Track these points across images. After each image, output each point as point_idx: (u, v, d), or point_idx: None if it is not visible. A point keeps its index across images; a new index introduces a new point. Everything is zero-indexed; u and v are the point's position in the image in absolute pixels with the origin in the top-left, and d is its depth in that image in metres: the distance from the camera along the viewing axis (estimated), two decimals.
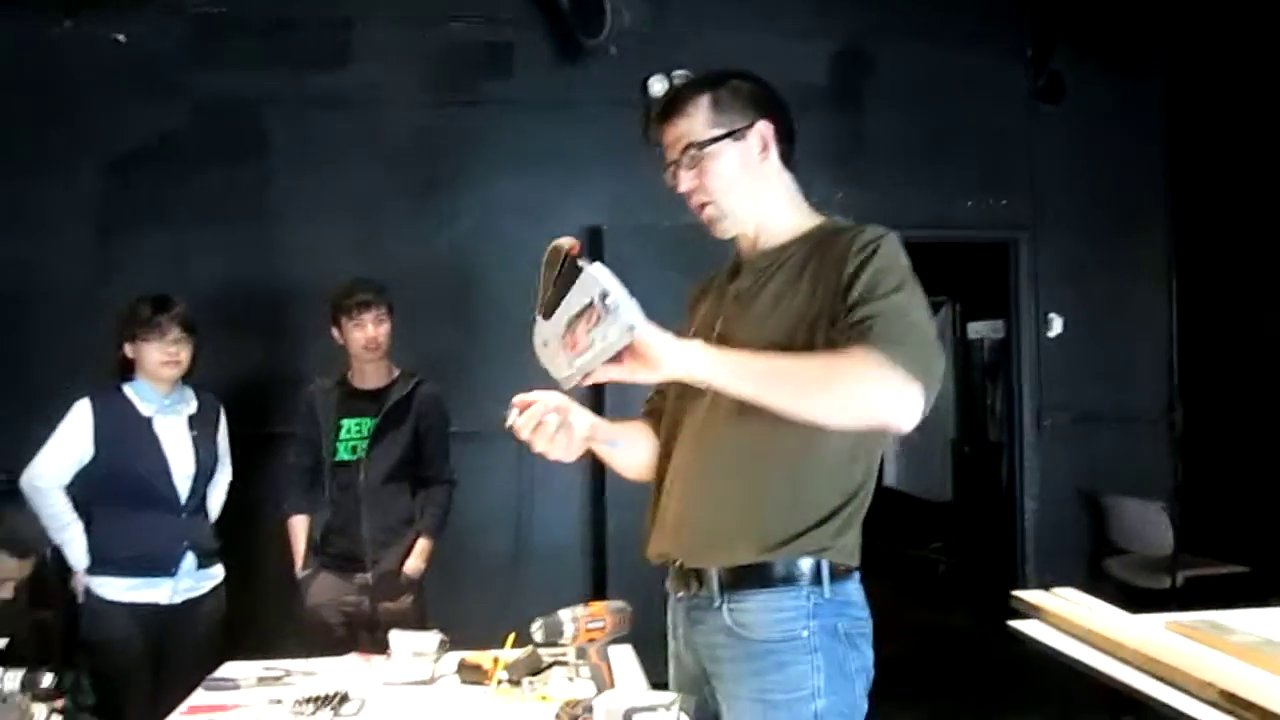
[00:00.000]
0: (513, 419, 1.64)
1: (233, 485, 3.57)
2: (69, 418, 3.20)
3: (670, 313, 2.06)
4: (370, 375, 3.58)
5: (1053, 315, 5.62)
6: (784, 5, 5.32)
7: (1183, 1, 5.46)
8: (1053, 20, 5.45)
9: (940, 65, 5.48)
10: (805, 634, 1.69)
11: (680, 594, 1.82)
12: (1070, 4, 5.40)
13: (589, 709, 2.01)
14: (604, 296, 1.46)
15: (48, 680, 2.54)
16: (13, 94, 4.72)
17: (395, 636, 2.67)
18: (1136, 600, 4.32)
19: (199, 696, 2.51)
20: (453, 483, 3.67)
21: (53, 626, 3.99)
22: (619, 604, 2.06)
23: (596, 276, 1.47)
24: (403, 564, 3.50)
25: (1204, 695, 2.07)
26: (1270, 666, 2.16)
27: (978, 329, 6.66)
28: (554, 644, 2.02)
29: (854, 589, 1.76)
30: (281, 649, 3.06)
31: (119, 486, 3.20)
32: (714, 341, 1.76)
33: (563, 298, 1.52)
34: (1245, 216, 5.30)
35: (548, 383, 1.64)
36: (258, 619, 3.92)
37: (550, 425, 1.68)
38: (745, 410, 1.66)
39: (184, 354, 3.25)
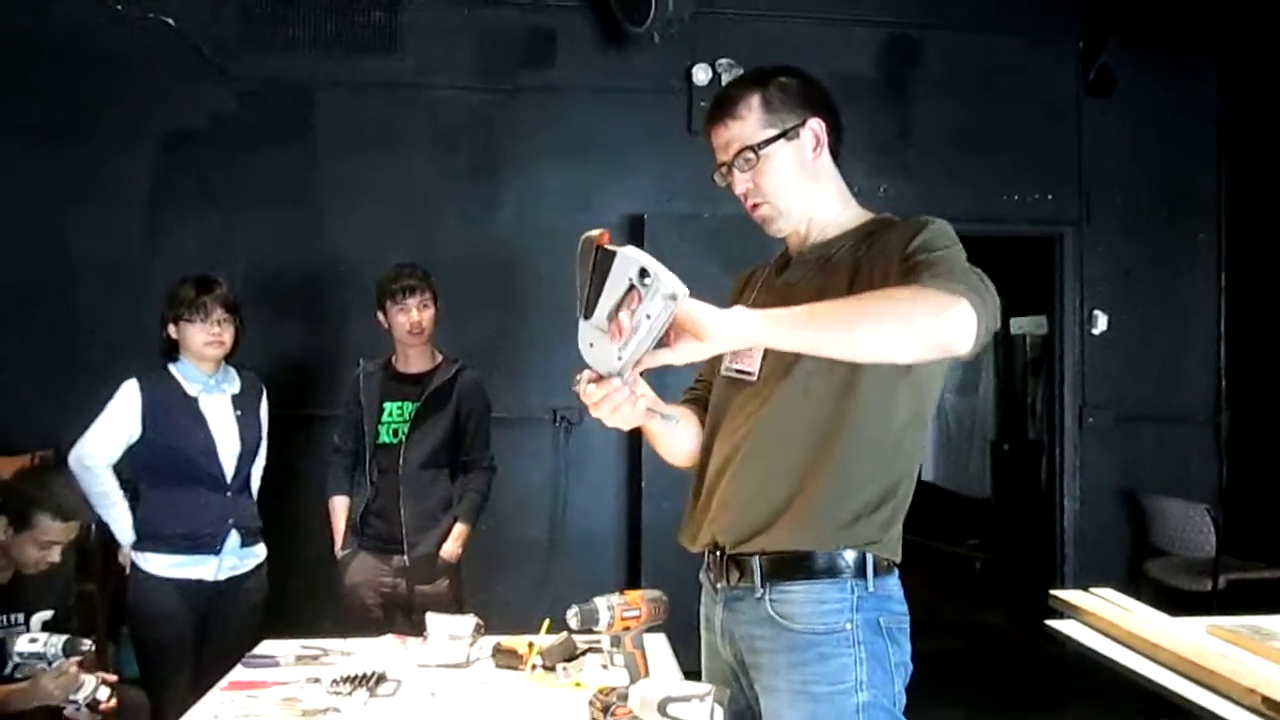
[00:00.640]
0: (582, 386, 1.58)
1: (273, 465, 3.60)
2: (117, 398, 3.25)
3: (711, 300, 2.05)
4: (414, 360, 3.61)
5: (1097, 312, 5.55)
6: None
7: None
8: (1105, 13, 5.36)
9: (988, 57, 5.42)
10: (849, 627, 1.68)
11: (720, 584, 1.82)
12: None
13: (623, 697, 2.01)
14: (642, 275, 1.42)
15: (87, 644, 2.58)
16: (69, 73, 4.80)
17: (431, 619, 2.69)
18: (1176, 603, 4.27)
19: (238, 673, 2.54)
20: (492, 469, 3.69)
21: (98, 599, 4.07)
22: (655, 593, 2.07)
23: (631, 256, 1.43)
24: (440, 548, 3.53)
25: (1247, 702, 2.03)
26: None
27: (1020, 325, 6.59)
28: (589, 631, 2.03)
29: (895, 584, 1.75)
30: (320, 628, 3.11)
31: (166, 465, 3.24)
32: None
33: (601, 291, 1.47)
34: None
35: (580, 369, 1.60)
36: (297, 598, 3.98)
37: (619, 396, 1.57)
38: (791, 397, 1.68)
39: (227, 334, 3.29)
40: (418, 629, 2.83)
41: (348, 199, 4.96)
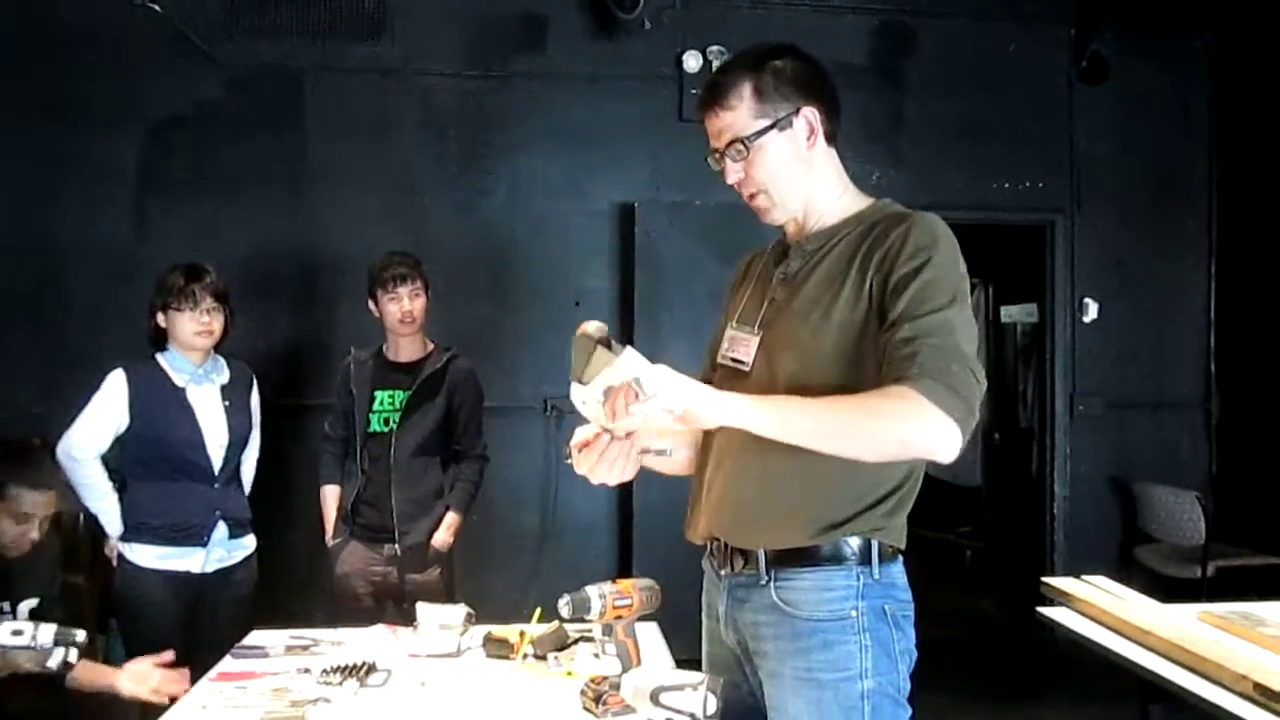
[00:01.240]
0: (575, 459, 1.65)
1: (264, 455, 3.59)
2: (104, 389, 3.22)
3: (701, 289, 2.05)
4: (405, 348, 3.60)
5: (1088, 300, 5.56)
6: None
7: None
8: (1097, 0, 5.35)
9: (981, 45, 5.42)
10: (854, 614, 1.68)
11: (724, 571, 1.80)
12: None
13: (614, 685, 2.01)
14: (639, 383, 1.50)
15: (80, 636, 2.56)
16: (55, 59, 4.76)
17: (422, 609, 2.68)
18: (1166, 590, 4.28)
19: (227, 663, 2.53)
20: (484, 458, 3.68)
21: (85, 590, 4.05)
22: (647, 582, 2.06)
23: (631, 367, 1.50)
24: (431, 537, 3.52)
25: (1237, 688, 2.04)
26: None
27: (1011, 312, 6.57)
28: (581, 620, 2.02)
29: (899, 571, 1.75)
30: (310, 619, 3.10)
31: (153, 456, 3.22)
32: (760, 328, 1.77)
33: (599, 371, 1.53)
34: None
35: (569, 364, 1.61)
36: (288, 588, 3.97)
37: (611, 455, 1.63)
38: (794, 391, 1.66)
39: (216, 324, 3.26)
40: (408, 618, 2.82)
41: (337, 186, 4.93)
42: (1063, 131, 5.50)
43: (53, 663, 2.50)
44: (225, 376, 3.37)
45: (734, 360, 1.81)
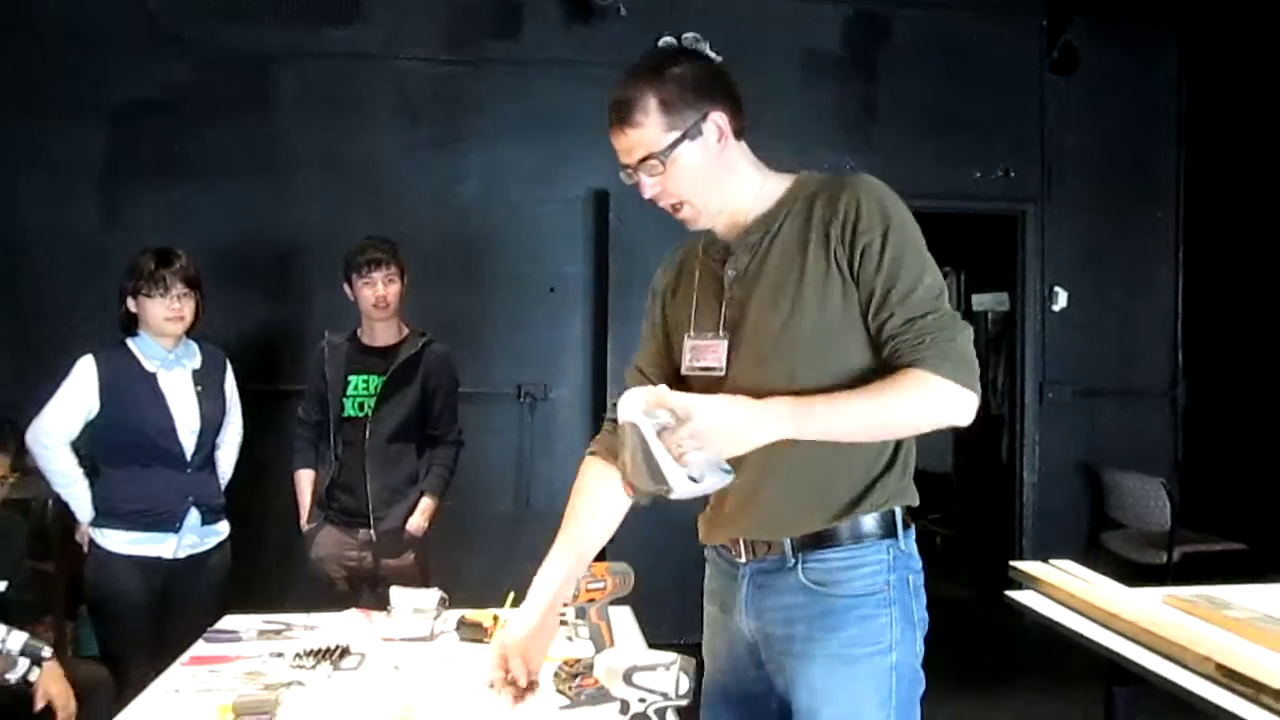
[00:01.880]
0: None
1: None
2: (73, 375, 3.19)
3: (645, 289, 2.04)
4: (380, 333, 3.58)
5: (1058, 289, 5.61)
6: None
7: None
8: None
9: (954, 34, 5.45)
10: (886, 588, 1.71)
11: (742, 560, 1.78)
12: None
13: (588, 667, 2.02)
14: (652, 418, 1.56)
15: (46, 653, 2.58)
16: (19, 43, 4.70)
17: (396, 593, 2.68)
18: (1133, 575, 4.34)
19: (200, 647, 2.52)
20: (459, 443, 3.67)
21: (54, 578, 4.02)
22: (621, 565, 2.07)
23: (638, 420, 1.56)
24: (406, 522, 3.52)
25: (1201, 669, 2.07)
26: (1268, 642, 2.17)
27: (982, 301, 6.64)
28: None
29: (913, 540, 1.78)
30: (285, 604, 3.09)
31: (124, 442, 3.19)
32: (725, 331, 1.75)
33: (653, 457, 1.56)
34: (1256, 196, 5.27)
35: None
36: (262, 574, 3.96)
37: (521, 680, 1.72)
38: (788, 378, 1.66)
39: (187, 309, 3.23)
40: (383, 603, 2.82)
41: (310, 171, 4.90)
42: (1034, 121, 5.54)
43: (13, 675, 2.51)
44: (197, 361, 3.34)
45: (704, 369, 1.78)
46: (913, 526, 1.78)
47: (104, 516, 3.20)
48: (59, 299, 4.65)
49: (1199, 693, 2.03)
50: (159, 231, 4.31)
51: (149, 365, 3.23)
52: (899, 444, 1.74)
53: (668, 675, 1.65)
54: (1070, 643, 2.49)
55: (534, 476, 5.06)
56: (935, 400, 1.61)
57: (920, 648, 1.76)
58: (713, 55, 1.77)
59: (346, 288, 3.57)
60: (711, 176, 1.73)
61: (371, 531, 3.49)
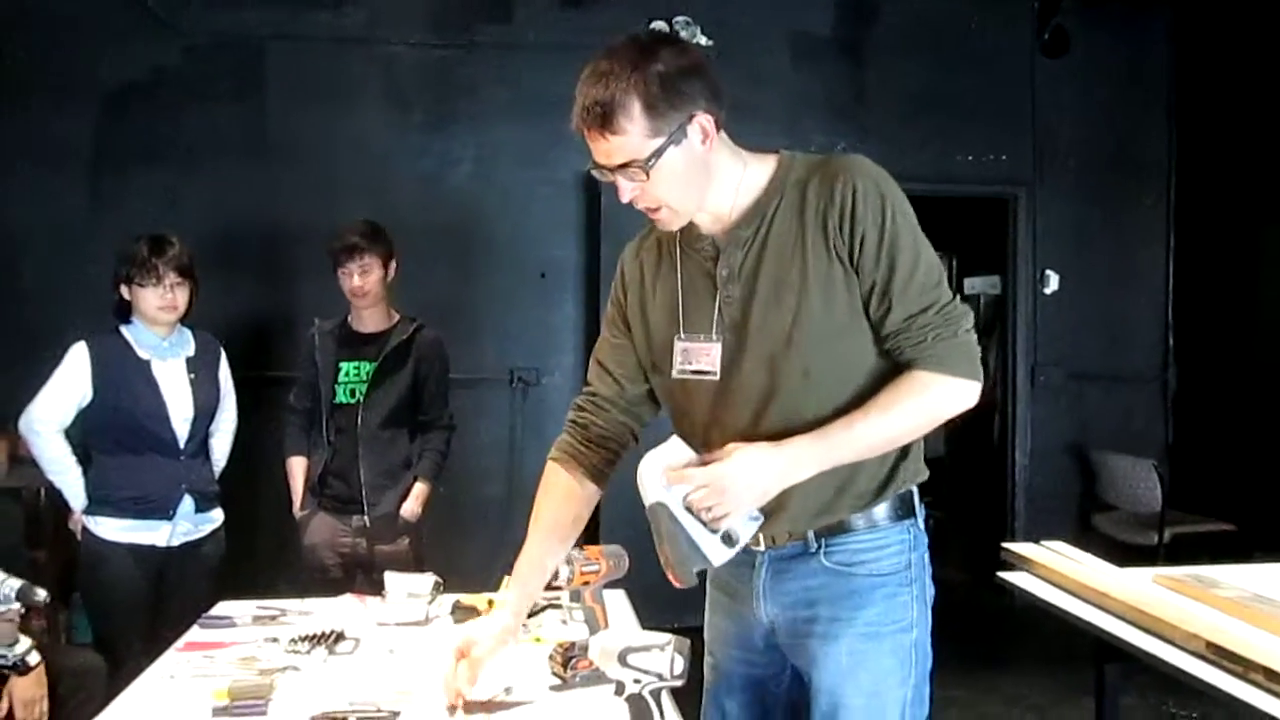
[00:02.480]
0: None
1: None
2: (66, 362, 3.18)
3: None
4: (369, 319, 3.57)
5: (1050, 272, 5.62)
6: None
7: None
8: None
9: (945, 17, 5.44)
10: (908, 566, 1.73)
11: (760, 548, 1.76)
12: None
13: (582, 649, 2.03)
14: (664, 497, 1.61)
15: (42, 595, 2.55)
16: (3, 29, 4.66)
17: (390, 578, 2.68)
18: (1124, 556, 4.35)
19: (195, 634, 2.52)
20: (451, 427, 3.68)
21: (47, 566, 4.01)
22: (614, 548, 2.08)
23: (658, 499, 1.61)
24: (399, 507, 3.52)
25: (1190, 647, 2.09)
26: (1256, 620, 2.19)
27: (974, 284, 6.65)
28: (549, 586, 2.03)
29: (922, 519, 1.80)
30: (279, 590, 3.09)
31: (117, 430, 3.19)
32: (720, 333, 1.70)
33: (685, 535, 1.60)
34: (1247, 180, 5.28)
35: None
36: (256, 560, 3.95)
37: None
38: (802, 390, 1.66)
39: (180, 298, 3.22)
40: (378, 588, 2.82)
41: (299, 156, 4.88)
42: (1025, 105, 5.54)
43: (10, 655, 2.50)
44: (191, 349, 3.33)
45: (696, 372, 1.73)
46: (922, 508, 1.80)
47: (97, 504, 3.20)
48: (47, 285, 4.63)
49: (1188, 670, 2.04)
50: (148, 217, 4.30)
51: (142, 352, 3.23)
52: None
53: (662, 656, 1.66)
54: (1061, 623, 2.51)
55: (526, 461, 5.06)
56: (942, 399, 1.66)
57: (930, 623, 1.78)
58: (703, 39, 1.74)
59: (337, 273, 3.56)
60: (694, 180, 1.65)
61: (365, 517, 3.49)
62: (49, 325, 4.11)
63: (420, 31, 5.02)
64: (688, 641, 1.72)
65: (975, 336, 1.68)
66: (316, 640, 2.34)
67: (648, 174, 1.62)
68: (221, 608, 2.70)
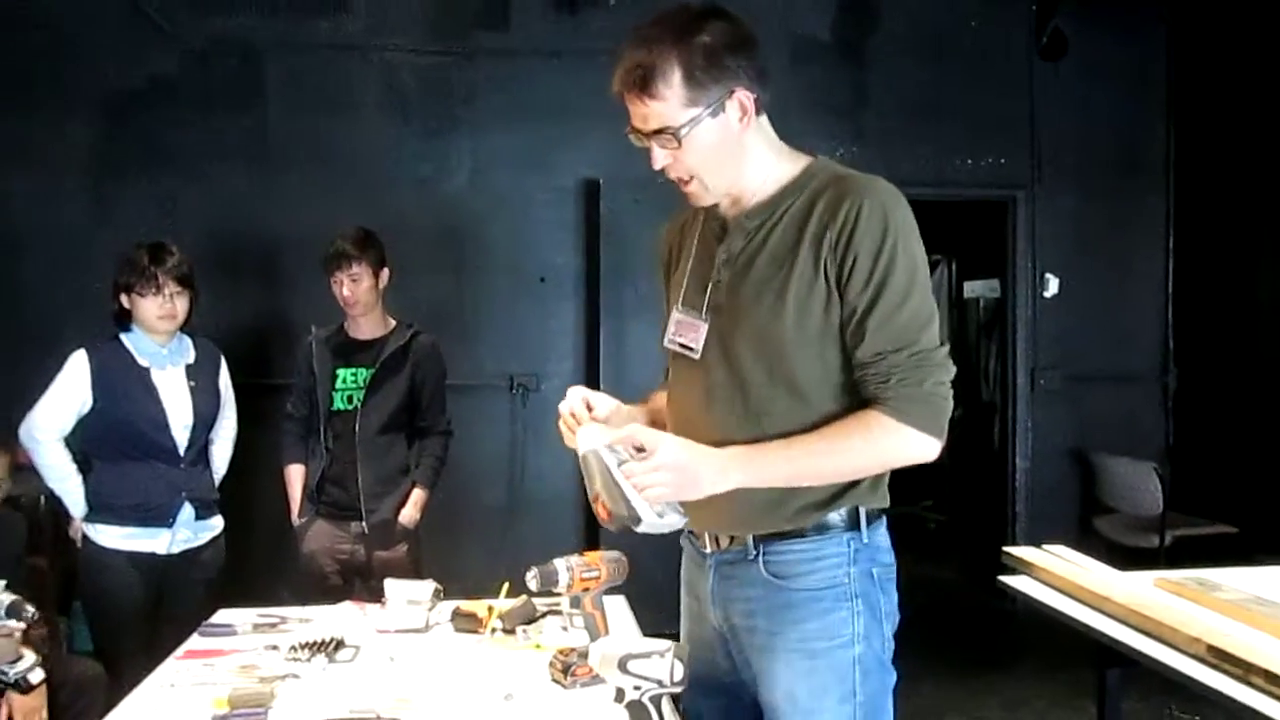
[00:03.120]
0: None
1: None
2: (66, 369, 3.18)
3: (645, 260, 2.04)
4: (365, 326, 3.57)
5: (1049, 275, 5.62)
6: None
7: None
8: None
9: (943, 21, 5.44)
10: (846, 580, 1.68)
11: (708, 550, 1.79)
12: None
13: (583, 656, 2.02)
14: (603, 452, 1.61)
15: (30, 611, 2.55)
16: (4, 37, 4.66)
17: (390, 585, 2.68)
18: (1125, 559, 4.35)
19: (195, 641, 2.52)
20: (449, 433, 3.68)
21: (47, 573, 4.01)
22: (614, 554, 2.07)
23: (592, 447, 1.61)
24: (398, 513, 3.52)
25: (1192, 650, 2.08)
26: (1258, 623, 2.18)
27: (974, 288, 6.64)
28: (549, 593, 2.03)
29: (883, 534, 1.76)
30: (278, 597, 3.08)
31: (117, 437, 3.19)
32: (707, 313, 1.72)
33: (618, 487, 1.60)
34: (1246, 181, 5.28)
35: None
36: (254, 567, 3.95)
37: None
38: (765, 389, 1.66)
39: (180, 307, 3.23)
40: (377, 595, 2.82)
41: (298, 162, 4.89)
42: (1024, 107, 5.54)
43: (12, 672, 2.49)
44: (191, 356, 3.33)
45: (682, 345, 1.77)
46: (882, 520, 1.76)
47: (97, 512, 3.20)
48: (47, 292, 4.64)
49: (1190, 673, 2.04)
50: (147, 224, 4.30)
51: (142, 360, 3.23)
52: None
53: (663, 662, 1.65)
54: (1063, 626, 2.50)
55: (526, 467, 5.06)
56: (892, 447, 1.62)
57: (889, 641, 1.74)
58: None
59: None
60: (727, 157, 1.67)
61: (363, 524, 3.49)
62: (49, 332, 4.12)
63: (418, 39, 5.02)
64: (687, 648, 1.72)
65: (947, 392, 1.63)
66: (316, 648, 2.34)
67: (680, 143, 1.63)
68: (221, 615, 2.70)
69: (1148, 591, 2.48)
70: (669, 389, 1.86)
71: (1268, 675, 1.88)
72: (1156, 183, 5.70)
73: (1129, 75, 5.65)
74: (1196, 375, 5.61)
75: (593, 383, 4.85)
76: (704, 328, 1.74)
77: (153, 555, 3.21)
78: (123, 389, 3.19)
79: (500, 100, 5.06)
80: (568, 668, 2.02)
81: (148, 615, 3.19)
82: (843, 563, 1.69)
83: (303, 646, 2.34)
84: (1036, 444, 5.62)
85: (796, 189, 1.69)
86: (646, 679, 1.65)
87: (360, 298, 3.49)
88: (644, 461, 1.57)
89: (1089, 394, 5.64)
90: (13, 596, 2.53)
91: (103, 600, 3.18)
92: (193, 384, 3.30)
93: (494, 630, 2.50)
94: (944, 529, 7.02)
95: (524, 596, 2.50)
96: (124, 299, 3.20)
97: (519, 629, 2.49)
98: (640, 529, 1.59)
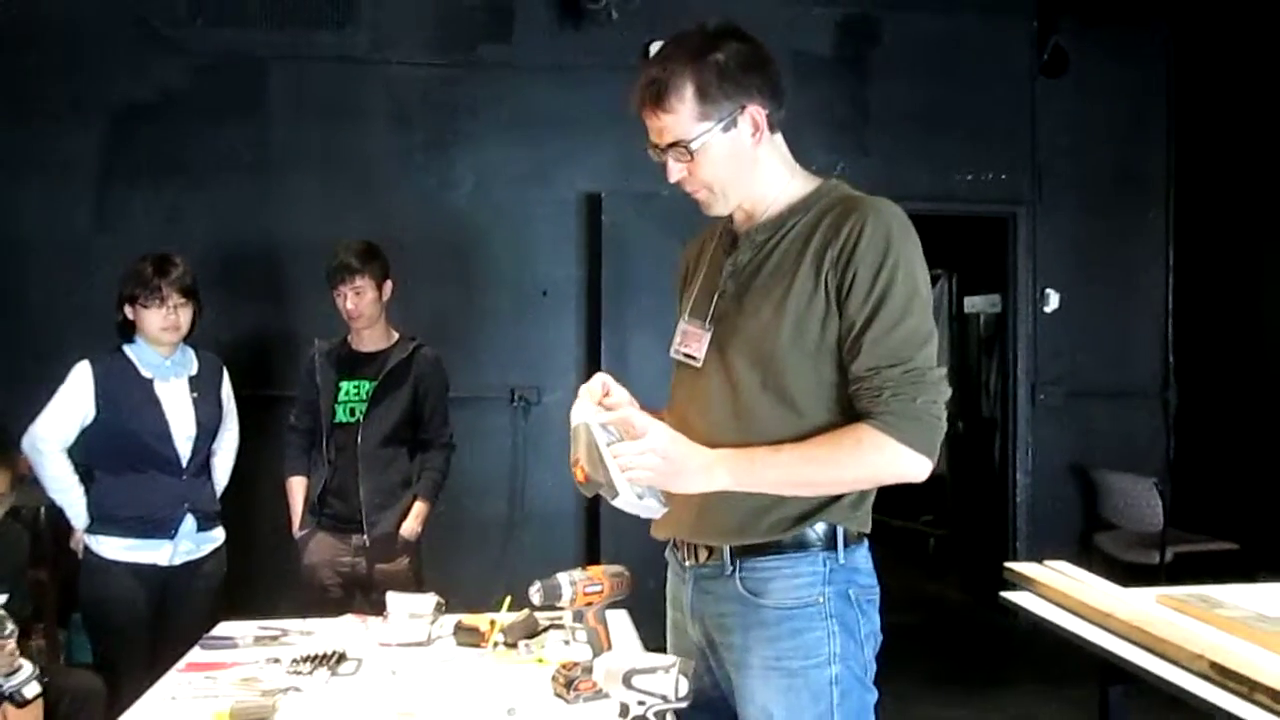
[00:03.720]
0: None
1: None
2: (69, 380, 3.18)
3: (668, 279, 2.06)
4: (368, 339, 3.58)
5: (1050, 290, 5.63)
6: None
7: None
8: None
9: (944, 37, 5.46)
10: (820, 600, 1.68)
11: (688, 563, 1.80)
12: None
13: (586, 670, 2.02)
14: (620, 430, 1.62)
15: (10, 628, 2.54)
16: (14, 47, 4.69)
17: (392, 598, 2.68)
18: (1126, 575, 4.36)
19: (196, 654, 2.52)
20: (451, 446, 3.68)
21: (48, 585, 4.01)
22: (617, 568, 2.07)
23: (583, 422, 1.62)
24: (399, 526, 3.51)
25: (1194, 667, 2.08)
26: (1260, 640, 2.18)
27: (974, 303, 6.65)
28: (552, 607, 2.03)
29: (864, 556, 1.76)
30: (279, 610, 3.08)
31: (120, 448, 3.19)
32: (711, 324, 1.75)
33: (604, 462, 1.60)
34: (1245, 196, 5.30)
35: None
36: (256, 579, 3.94)
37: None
38: (755, 397, 1.68)
39: (184, 319, 3.23)
40: (378, 608, 2.82)
41: (302, 174, 4.90)
42: (1025, 123, 5.56)
43: (15, 679, 2.49)
44: (194, 368, 3.34)
45: (686, 355, 1.80)
46: (863, 543, 1.76)
47: (99, 523, 3.19)
48: (51, 303, 4.64)
49: (1193, 690, 2.04)
50: (152, 235, 4.32)
51: (145, 371, 3.23)
52: None
53: (667, 678, 1.66)
54: (1064, 643, 2.50)
55: (527, 480, 5.06)
56: (881, 462, 1.62)
57: (870, 663, 1.74)
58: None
59: None
60: (739, 170, 1.72)
61: (365, 537, 3.49)
62: (52, 343, 4.12)
63: (422, 52, 5.04)
64: (692, 663, 1.73)
65: (940, 412, 1.63)
66: (318, 661, 2.34)
67: (692, 155, 1.68)
68: (223, 628, 2.70)
69: (1150, 608, 2.48)
70: (671, 397, 1.87)
71: (1271, 692, 1.88)
72: (1157, 198, 5.72)
73: (1130, 91, 5.67)
74: (1197, 391, 5.61)
75: None
76: (707, 337, 1.77)
77: (154, 567, 3.20)
78: (126, 400, 3.19)
79: (503, 113, 5.08)
80: (570, 682, 2.03)
81: (149, 627, 3.19)
82: (817, 582, 1.69)
83: (305, 659, 2.34)
84: (1037, 460, 5.62)
85: (805, 206, 1.73)
86: (651, 694, 1.66)
87: (364, 310, 3.49)
88: (633, 443, 1.59)
89: (1090, 410, 5.64)
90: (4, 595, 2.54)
91: (104, 612, 3.17)
92: (195, 395, 3.30)
93: (496, 644, 2.50)
94: (945, 545, 7.01)
95: (526, 610, 2.51)
96: (128, 310, 3.21)
97: (521, 643, 2.49)
98: (616, 502, 1.59)
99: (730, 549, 1.72)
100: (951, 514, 6.84)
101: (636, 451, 1.58)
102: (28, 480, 3.32)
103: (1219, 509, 5.24)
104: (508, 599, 2.59)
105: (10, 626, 2.53)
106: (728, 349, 1.73)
